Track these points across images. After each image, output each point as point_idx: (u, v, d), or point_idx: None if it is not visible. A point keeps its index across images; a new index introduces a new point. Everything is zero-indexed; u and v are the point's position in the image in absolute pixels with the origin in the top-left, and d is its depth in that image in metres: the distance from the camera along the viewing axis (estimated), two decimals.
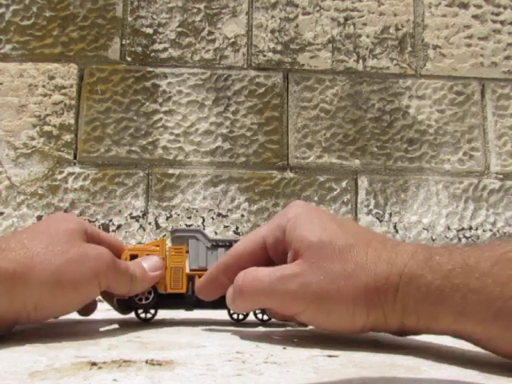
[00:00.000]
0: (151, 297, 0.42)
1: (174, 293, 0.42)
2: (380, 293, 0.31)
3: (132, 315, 0.44)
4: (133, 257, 0.42)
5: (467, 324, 0.28)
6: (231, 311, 0.44)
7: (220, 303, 0.43)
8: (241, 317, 0.44)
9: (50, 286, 0.33)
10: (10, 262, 0.32)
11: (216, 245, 0.44)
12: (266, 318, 0.44)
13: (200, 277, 0.42)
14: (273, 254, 0.36)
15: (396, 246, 0.32)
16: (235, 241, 0.44)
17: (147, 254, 0.42)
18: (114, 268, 0.37)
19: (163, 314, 0.46)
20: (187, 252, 0.44)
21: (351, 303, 0.31)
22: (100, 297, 0.44)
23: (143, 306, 0.42)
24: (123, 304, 0.42)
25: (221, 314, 0.44)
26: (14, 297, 0.32)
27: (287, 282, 0.33)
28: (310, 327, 0.43)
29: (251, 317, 0.45)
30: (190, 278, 0.43)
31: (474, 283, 0.27)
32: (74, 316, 0.44)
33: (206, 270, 0.43)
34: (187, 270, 0.43)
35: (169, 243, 0.46)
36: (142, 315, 0.44)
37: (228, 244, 0.44)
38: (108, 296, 0.43)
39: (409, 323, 0.31)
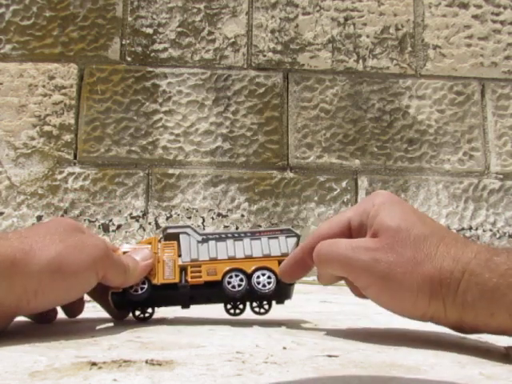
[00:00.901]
0: (145, 287, 0.42)
1: (168, 284, 0.43)
2: (443, 285, 0.33)
3: (130, 315, 0.44)
4: (125, 254, 0.43)
5: None
6: (228, 306, 0.44)
7: (215, 297, 0.44)
8: (237, 311, 0.44)
9: (50, 272, 0.34)
10: (9, 248, 0.33)
11: (206, 238, 0.44)
12: (262, 311, 0.44)
13: (192, 267, 0.43)
14: (355, 237, 0.38)
15: (465, 244, 0.34)
16: (225, 233, 0.45)
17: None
18: (109, 256, 0.38)
19: (163, 314, 0.46)
20: (179, 255, 0.44)
21: (415, 289, 0.33)
22: (95, 301, 0.45)
23: (138, 297, 0.42)
24: (118, 298, 0.42)
25: (220, 314, 0.44)
26: (14, 283, 0.33)
27: (360, 253, 0.35)
28: (309, 328, 0.43)
29: (250, 316, 0.45)
30: (183, 269, 0.43)
31: None
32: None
33: (197, 261, 0.43)
34: (180, 262, 0.44)
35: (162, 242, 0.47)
36: (140, 315, 0.44)
37: (218, 236, 0.45)
38: (103, 298, 0.43)
39: (467, 319, 0.33)
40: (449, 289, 0.32)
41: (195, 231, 0.45)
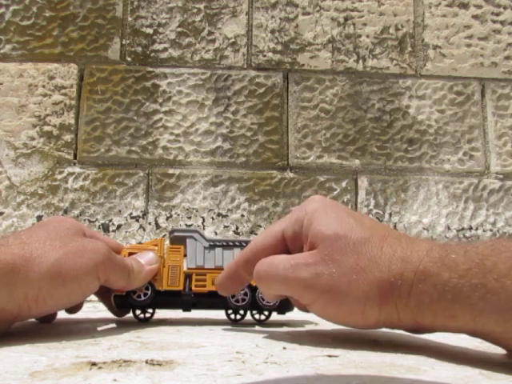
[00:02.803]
0: (149, 293, 0.42)
1: (171, 290, 0.43)
2: (394, 289, 0.31)
3: (130, 315, 0.45)
4: (131, 255, 0.43)
5: (487, 324, 0.29)
6: (228, 312, 0.44)
7: (217, 303, 0.43)
8: (238, 317, 0.44)
9: (50, 277, 0.34)
10: (9, 255, 0.33)
11: (213, 245, 0.44)
12: (262, 318, 0.44)
13: (197, 275, 0.43)
14: (291, 247, 0.37)
15: (411, 242, 0.32)
16: (232, 241, 0.45)
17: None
18: (111, 260, 0.38)
19: (163, 314, 0.46)
20: (185, 255, 0.44)
21: (362, 298, 0.31)
22: (97, 297, 0.45)
23: (141, 303, 0.42)
24: (120, 301, 0.42)
25: (221, 315, 0.45)
26: (14, 290, 0.33)
27: (299, 270, 0.33)
28: (309, 328, 0.44)
29: (250, 316, 0.45)
30: (188, 276, 0.43)
31: (493, 284, 0.28)
32: (75, 316, 0.44)
33: (203, 268, 0.43)
34: (185, 269, 0.43)
35: (167, 243, 0.46)
36: (141, 315, 0.44)
37: (225, 244, 0.44)
38: (105, 296, 0.43)
39: (424, 321, 0.31)
40: (400, 291, 0.31)
41: (202, 236, 0.45)
